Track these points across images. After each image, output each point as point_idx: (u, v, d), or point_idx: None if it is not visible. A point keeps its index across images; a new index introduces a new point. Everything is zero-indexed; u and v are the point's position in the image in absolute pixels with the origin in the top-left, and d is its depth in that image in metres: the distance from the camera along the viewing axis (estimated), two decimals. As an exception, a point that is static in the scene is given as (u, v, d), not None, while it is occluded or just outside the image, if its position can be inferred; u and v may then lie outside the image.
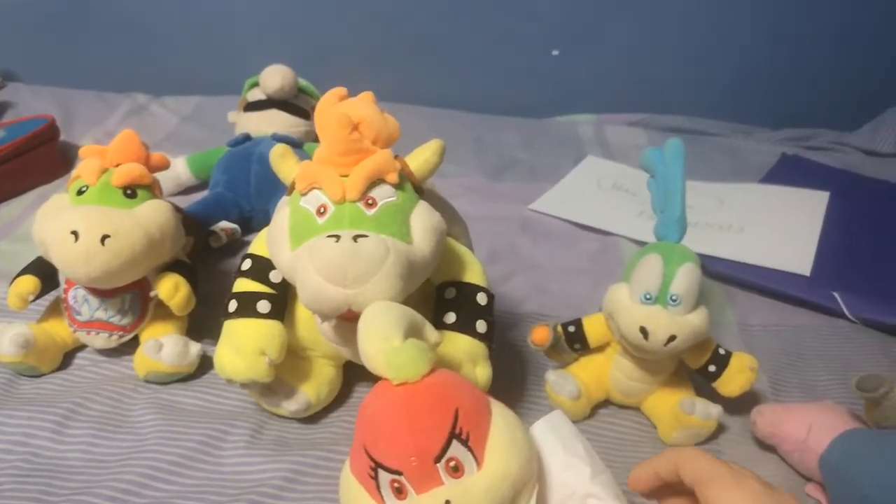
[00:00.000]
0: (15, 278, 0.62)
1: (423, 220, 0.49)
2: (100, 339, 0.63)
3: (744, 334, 0.74)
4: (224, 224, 0.82)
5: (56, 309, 0.65)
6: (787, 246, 0.85)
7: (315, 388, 0.59)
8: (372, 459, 0.37)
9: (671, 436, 0.59)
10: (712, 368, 0.59)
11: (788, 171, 1.05)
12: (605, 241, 0.90)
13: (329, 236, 0.46)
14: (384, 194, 0.48)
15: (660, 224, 0.60)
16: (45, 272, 0.62)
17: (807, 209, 0.93)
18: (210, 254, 0.80)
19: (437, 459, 0.36)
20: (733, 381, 0.59)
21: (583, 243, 0.90)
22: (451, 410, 0.37)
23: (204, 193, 0.88)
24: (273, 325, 0.55)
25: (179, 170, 0.92)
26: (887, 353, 0.72)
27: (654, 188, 0.61)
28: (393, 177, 0.48)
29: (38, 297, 0.63)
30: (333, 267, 0.45)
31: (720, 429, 0.60)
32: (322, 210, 0.48)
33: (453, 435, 0.36)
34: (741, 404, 0.61)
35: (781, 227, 0.89)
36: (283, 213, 0.50)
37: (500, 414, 0.39)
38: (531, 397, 0.65)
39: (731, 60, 1.22)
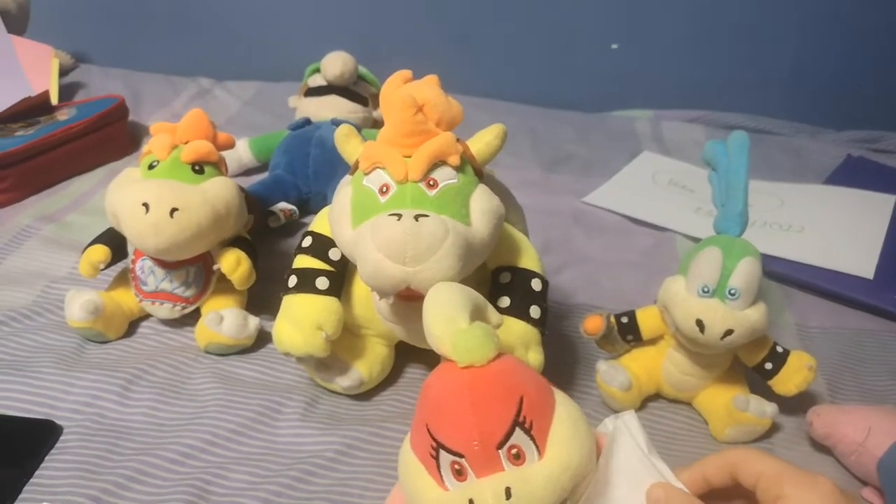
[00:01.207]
0: (87, 247, 0.65)
1: (482, 203, 0.50)
2: (164, 310, 0.66)
3: (801, 335, 0.73)
4: (283, 205, 0.84)
5: (124, 279, 0.68)
6: (850, 248, 0.83)
7: (368, 365, 0.60)
8: (434, 440, 0.37)
9: (723, 432, 0.59)
10: (769, 366, 0.58)
11: (853, 173, 1.02)
12: (659, 236, 0.89)
13: (391, 215, 0.46)
14: (445, 176, 0.49)
15: (720, 217, 0.59)
16: (115, 242, 0.65)
17: (872, 212, 0.91)
18: (268, 233, 0.82)
19: (500, 446, 0.36)
20: (790, 380, 0.58)
21: (636, 238, 0.89)
22: (516, 398, 0.37)
23: (264, 175, 0.90)
24: (331, 302, 0.56)
25: (241, 151, 0.94)
26: (951, 360, 0.70)
27: (716, 181, 0.61)
28: (455, 159, 0.49)
29: (107, 266, 0.65)
30: (394, 244, 0.45)
31: (774, 428, 0.59)
32: (384, 189, 0.49)
33: (517, 422, 0.36)
34: (797, 404, 0.60)
35: (844, 229, 0.87)
36: (345, 191, 0.51)
37: (563, 404, 0.39)
38: (581, 387, 0.65)
39: (794, 57, 1.19)
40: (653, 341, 0.62)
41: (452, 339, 0.37)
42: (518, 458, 0.36)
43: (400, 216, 0.46)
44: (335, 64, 0.93)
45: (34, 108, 0.97)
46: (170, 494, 0.51)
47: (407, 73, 0.52)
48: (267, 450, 0.56)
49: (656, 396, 0.64)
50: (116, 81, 1.19)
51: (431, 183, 0.48)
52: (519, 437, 0.36)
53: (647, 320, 0.61)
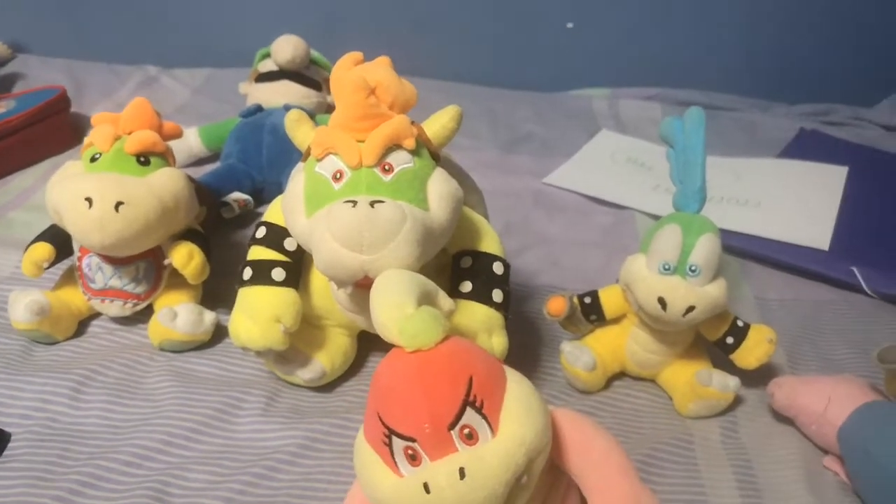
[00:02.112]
0: (29, 245, 0.62)
1: (439, 186, 0.49)
2: (114, 307, 0.63)
3: (760, 308, 0.74)
4: (236, 195, 0.82)
5: (70, 277, 0.65)
6: (806, 220, 0.84)
7: (329, 357, 0.59)
8: (386, 426, 0.37)
9: (687, 407, 0.59)
10: (730, 340, 0.59)
11: (806, 147, 1.03)
12: (618, 214, 0.89)
13: (346, 202, 0.45)
14: (401, 160, 0.48)
15: (679, 195, 0.59)
16: (58, 239, 0.62)
17: (825, 184, 0.92)
18: (222, 224, 0.79)
19: (451, 426, 0.36)
20: (751, 354, 0.58)
21: (596, 217, 0.89)
22: (465, 378, 0.37)
23: (216, 165, 0.87)
24: (288, 293, 0.54)
25: (191, 141, 0.91)
26: (906, 327, 0.71)
27: (674, 158, 0.60)
28: (410, 142, 0.48)
29: (52, 264, 0.62)
30: (350, 232, 0.44)
31: (737, 401, 0.60)
32: (338, 175, 0.47)
33: (467, 402, 0.36)
34: (758, 377, 0.61)
35: (799, 202, 0.88)
36: (298, 179, 0.50)
37: (515, 381, 0.39)
38: (546, 369, 0.64)
39: (747, 34, 1.19)
40: (616, 320, 0.62)
41: (399, 324, 0.37)
42: (471, 437, 0.36)
43: (355, 203, 0.45)
44: (286, 48, 0.91)
45: (-31, 102, 0.92)
46: (126, 499, 0.49)
47: (357, 54, 0.50)
48: (227, 447, 0.54)
49: (621, 375, 0.64)
50: (57, 72, 1.14)
51: (387, 168, 0.47)
52: (470, 416, 0.36)
53: (610, 300, 0.61)
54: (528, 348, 0.66)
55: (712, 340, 0.60)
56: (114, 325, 0.66)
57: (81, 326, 0.65)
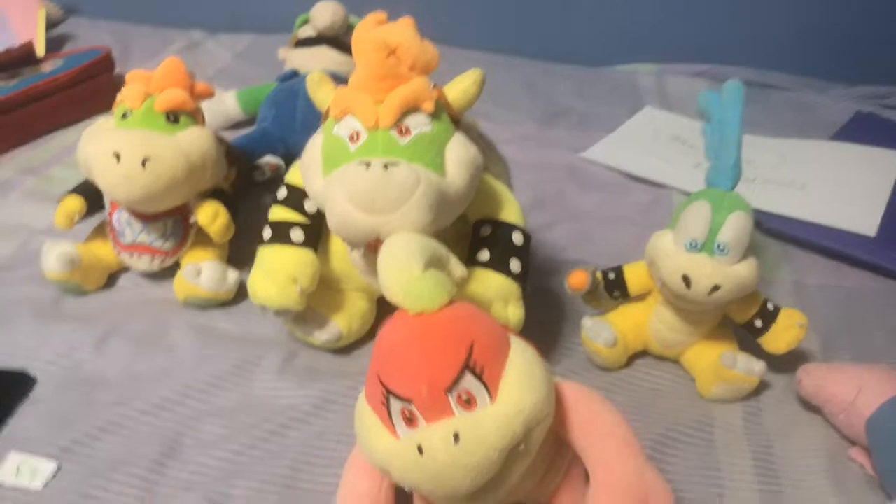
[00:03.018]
0: (61, 198, 0.64)
1: (458, 152, 0.48)
2: (142, 262, 0.65)
3: (798, 293, 0.71)
4: (269, 159, 0.82)
5: (102, 231, 0.67)
6: (853, 205, 0.80)
7: (347, 320, 0.59)
8: (384, 387, 0.37)
9: (710, 390, 0.57)
10: (758, 323, 0.56)
11: (861, 130, 0.98)
12: (656, 192, 0.87)
13: (360, 163, 0.45)
14: (419, 123, 0.47)
15: (712, 170, 0.57)
16: (90, 193, 0.64)
17: (877, 169, 0.87)
18: (254, 187, 0.80)
19: (449, 390, 0.35)
20: (780, 338, 0.56)
21: (633, 194, 0.87)
22: (465, 343, 0.36)
23: (252, 129, 0.88)
24: (305, 254, 0.54)
25: (229, 104, 0.92)
26: (951, 320, 0.67)
27: (709, 133, 0.58)
28: (429, 105, 0.47)
29: (83, 217, 0.64)
30: (362, 193, 0.44)
31: (763, 386, 0.58)
32: (355, 137, 0.47)
33: (466, 367, 0.35)
34: (788, 363, 0.59)
35: (848, 186, 0.84)
36: (316, 139, 0.49)
37: (518, 350, 0.38)
38: (567, 343, 0.63)
39: (804, 8, 1.14)
40: (641, 297, 0.60)
41: (404, 286, 0.37)
42: (469, 403, 0.35)
43: (369, 164, 0.44)
44: (324, 14, 0.90)
45: (19, 60, 0.95)
46: (141, 446, 0.51)
47: (381, 14, 0.49)
48: (241, 403, 0.55)
49: (644, 353, 0.62)
50: (105, 33, 1.17)
51: (404, 130, 0.46)
52: (469, 381, 0.35)
53: (635, 276, 0.59)
54: (550, 322, 0.65)
55: (740, 323, 0.57)
56: (142, 279, 0.67)
57: (112, 279, 0.67)
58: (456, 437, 0.34)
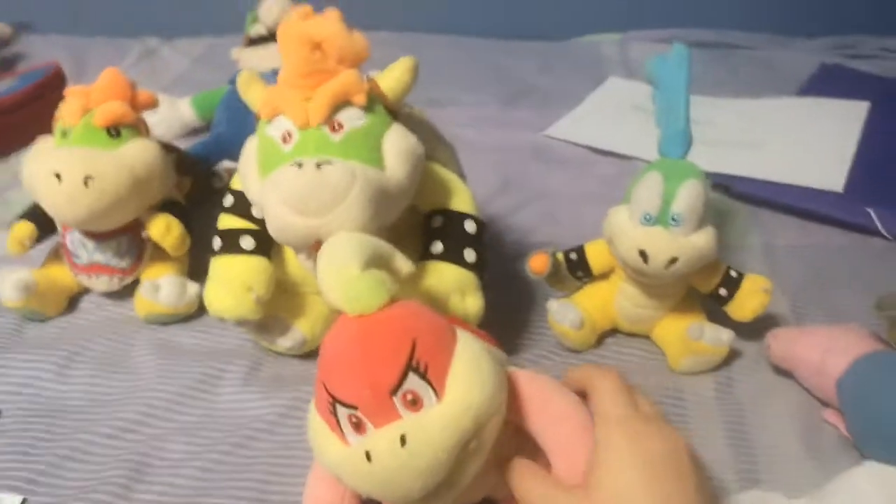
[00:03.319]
0: (13, 224, 0.63)
1: (396, 143, 0.47)
2: (101, 283, 0.64)
3: (768, 257, 0.70)
4: (227, 164, 0.81)
5: (57, 254, 0.66)
6: (819, 161, 0.79)
7: (310, 324, 0.58)
8: (330, 394, 0.36)
9: (680, 363, 0.56)
10: (723, 292, 0.56)
11: (827, 83, 0.97)
12: (623, 165, 0.86)
13: (292, 164, 0.43)
14: (352, 118, 0.46)
15: (662, 138, 0.56)
16: (41, 217, 0.62)
17: (843, 121, 0.86)
18: (213, 195, 0.79)
19: (393, 392, 0.34)
20: (746, 305, 0.55)
21: (599, 168, 0.86)
22: (407, 342, 0.35)
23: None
24: (258, 261, 0.54)
25: (184, 111, 0.91)
26: (924, 271, 0.67)
27: (658, 100, 0.57)
28: (360, 98, 0.46)
29: (37, 242, 0.63)
30: (296, 196, 0.43)
31: (733, 355, 0.57)
32: (287, 137, 0.46)
33: (410, 367, 0.35)
34: (758, 330, 0.58)
35: (813, 142, 0.83)
36: (251, 142, 0.48)
37: (465, 344, 0.37)
38: (536, 328, 0.63)
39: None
40: (604, 276, 0.60)
41: (342, 288, 0.36)
42: (415, 403, 0.34)
43: (301, 165, 0.43)
44: (272, 10, 0.89)
45: (-31, 83, 0.93)
46: (106, 471, 0.50)
47: (307, 7, 0.48)
48: (206, 418, 0.54)
49: (614, 332, 0.61)
50: (60, 49, 1.15)
51: (336, 126, 0.45)
52: (413, 381, 0.35)
53: (597, 255, 0.59)
54: (518, 309, 0.64)
55: (705, 293, 0.57)
56: (104, 299, 0.66)
57: (73, 301, 0.66)
58: (402, 440, 0.33)
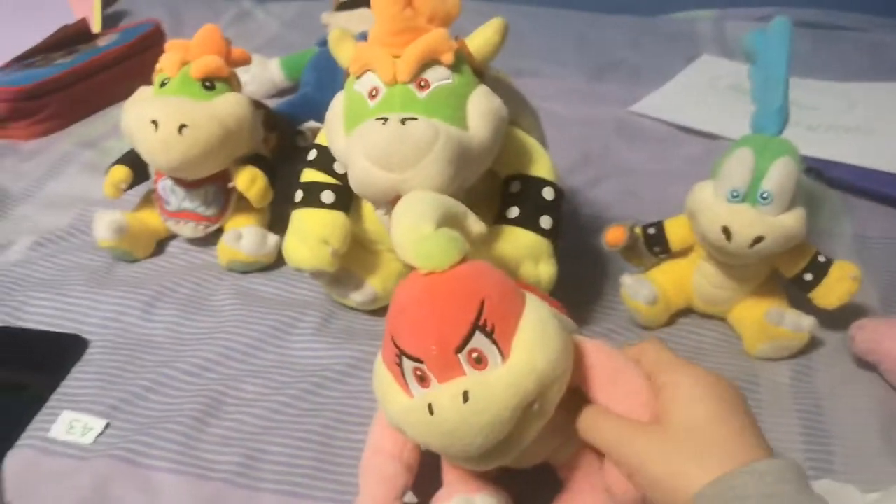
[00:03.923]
0: (108, 168, 0.66)
1: (480, 104, 0.47)
2: (188, 228, 0.66)
3: (858, 246, 0.67)
4: (312, 124, 0.82)
5: (149, 199, 0.69)
6: (921, 150, 0.75)
7: (382, 281, 0.59)
8: (397, 347, 0.36)
9: (756, 348, 0.55)
10: (808, 277, 0.54)
11: (941, 69, 0.91)
12: (710, 144, 0.83)
13: (378, 119, 0.44)
14: (438, 76, 0.46)
15: (756, 115, 0.53)
16: (136, 163, 0.66)
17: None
18: (297, 153, 0.81)
19: (459, 350, 0.35)
20: (832, 292, 0.53)
21: (685, 147, 0.83)
22: (476, 301, 0.35)
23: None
24: (336, 216, 0.55)
25: (273, 72, 0.93)
26: None
27: (755, 75, 0.55)
28: (448, 57, 0.46)
29: (131, 186, 0.66)
30: (379, 150, 0.43)
31: (814, 343, 0.55)
32: (374, 93, 0.46)
33: (477, 326, 0.35)
34: (843, 319, 0.55)
35: (919, 130, 0.78)
36: (338, 98, 0.49)
37: (533, 307, 0.37)
38: (608, 302, 0.62)
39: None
40: (683, 253, 0.58)
41: (414, 245, 0.36)
42: (479, 362, 0.35)
43: (386, 120, 0.44)
44: (363, -27, 0.89)
45: (76, 37, 0.98)
46: (183, 404, 0.52)
47: (399, -34, 0.48)
48: (279, 363, 0.56)
49: (688, 311, 0.60)
50: (159, 7, 1.19)
51: (423, 84, 0.46)
52: (479, 340, 0.35)
53: (676, 230, 0.57)
54: (591, 281, 0.64)
55: (789, 276, 0.55)
56: (189, 245, 0.69)
57: (160, 246, 0.69)
58: (465, 395, 0.34)
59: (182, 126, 0.58)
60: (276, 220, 0.69)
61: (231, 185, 0.64)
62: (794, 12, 1.09)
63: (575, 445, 0.42)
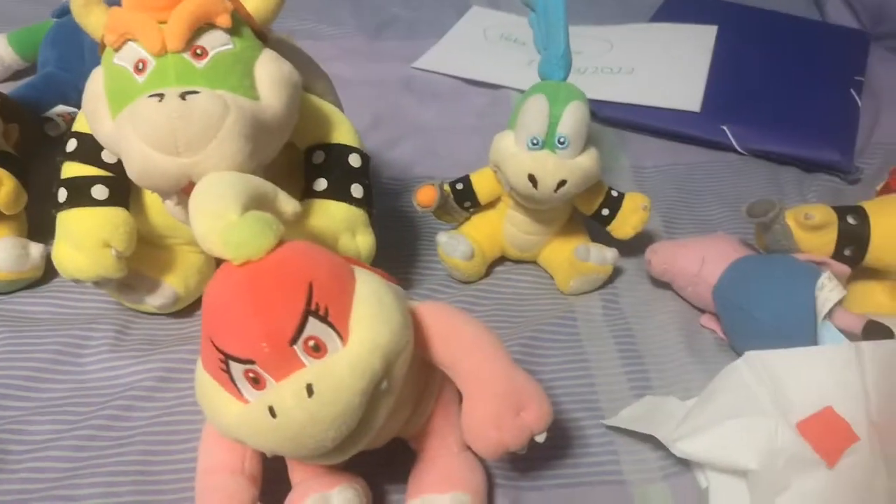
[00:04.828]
0: None
1: (269, 70, 0.42)
2: (-80, 253, 0.54)
3: (637, 176, 0.73)
4: (61, 108, 0.71)
5: None
6: (677, 84, 0.82)
7: (182, 278, 0.53)
8: (220, 351, 0.32)
9: (568, 284, 0.57)
10: (605, 212, 0.57)
11: (677, 8, 1.01)
12: (494, 94, 0.85)
13: (151, 96, 0.38)
14: (216, 41, 0.41)
15: (543, 62, 0.55)
16: None
17: (695, 45, 0.90)
18: (48, 144, 0.69)
19: (293, 341, 0.32)
20: (627, 223, 0.57)
21: (471, 99, 0.84)
22: (303, 285, 0.32)
23: (34, 77, 0.75)
24: (114, 212, 0.47)
25: (2, 51, 0.79)
26: (776, 181, 0.72)
27: (536, 23, 0.56)
28: (224, 19, 0.40)
29: None
30: (160, 132, 0.38)
31: (617, 272, 0.59)
32: (140, 66, 0.40)
33: (308, 311, 0.32)
34: (637, 246, 0.60)
35: (671, 66, 0.86)
36: (96, 75, 0.42)
37: (364, 281, 0.35)
38: (426, 263, 0.61)
39: None
40: (491, 204, 0.59)
41: (221, 234, 0.32)
42: (318, 350, 0.32)
43: (162, 96, 0.38)
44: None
45: None
46: (-45, 464, 0.43)
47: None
48: (73, 392, 0.48)
49: (502, 260, 0.61)
50: None
51: (199, 52, 0.40)
52: (314, 327, 0.32)
53: (483, 183, 0.58)
54: (404, 244, 0.63)
55: (588, 214, 0.58)
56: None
57: None
58: (309, 389, 0.31)
59: None
60: (37, 227, 0.59)
61: (-30, 192, 0.53)
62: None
63: (427, 410, 0.41)
